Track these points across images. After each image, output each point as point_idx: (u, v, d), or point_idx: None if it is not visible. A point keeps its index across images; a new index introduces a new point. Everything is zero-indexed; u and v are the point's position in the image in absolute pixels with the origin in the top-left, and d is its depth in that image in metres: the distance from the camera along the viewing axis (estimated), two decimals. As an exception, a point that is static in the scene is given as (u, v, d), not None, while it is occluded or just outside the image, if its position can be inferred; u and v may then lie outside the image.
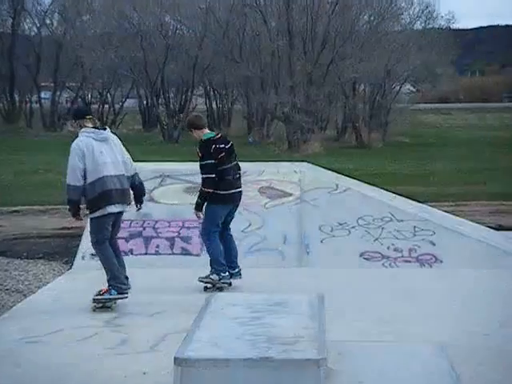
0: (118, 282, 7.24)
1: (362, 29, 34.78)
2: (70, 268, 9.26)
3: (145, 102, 40.96)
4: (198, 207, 7.96)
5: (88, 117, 7.35)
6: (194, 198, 9.70)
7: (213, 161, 7.79)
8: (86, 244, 9.37)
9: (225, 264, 7.97)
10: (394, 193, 11.01)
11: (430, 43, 36.00)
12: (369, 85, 36.40)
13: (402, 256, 9.25)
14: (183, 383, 4.21)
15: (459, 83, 59.97)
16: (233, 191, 8.01)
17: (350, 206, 9.69)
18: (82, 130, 7.25)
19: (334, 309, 6.27)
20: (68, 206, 7.27)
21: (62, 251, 10.39)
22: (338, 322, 6.33)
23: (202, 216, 8.01)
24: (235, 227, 9.37)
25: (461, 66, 56.16)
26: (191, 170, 10.28)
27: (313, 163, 11.69)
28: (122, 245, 9.18)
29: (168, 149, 27.55)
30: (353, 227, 9.51)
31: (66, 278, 8.76)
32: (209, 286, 7.93)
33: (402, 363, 5.03)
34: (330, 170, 11.53)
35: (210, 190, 7.84)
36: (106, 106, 41.84)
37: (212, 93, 42.30)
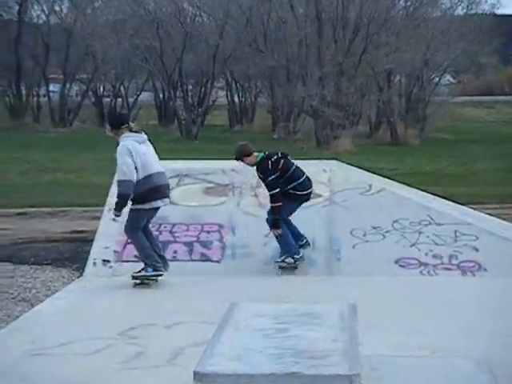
0: (152, 261, 8.36)
1: (397, 15, 34.69)
2: (81, 275, 9.33)
3: (161, 95, 41.16)
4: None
5: (124, 126, 8.40)
6: (214, 199, 9.80)
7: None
8: (97, 249, 9.44)
9: (295, 245, 9.06)
10: (432, 194, 10.97)
11: (472, 30, 35.79)
12: (405, 76, 36.28)
13: (442, 263, 9.21)
14: (203, 400, 4.23)
15: (504, 74, 59.58)
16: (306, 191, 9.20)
17: (384, 209, 9.67)
18: (123, 135, 8.33)
19: (366, 320, 6.26)
20: (117, 200, 8.27)
21: (71, 257, 10.47)
22: (370, 335, 6.32)
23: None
24: (258, 231, 9.43)
25: (506, 56, 55.73)
26: (211, 168, 10.34)
27: (343, 161, 11.68)
28: (136, 250, 9.26)
29: (186, 146, 27.67)
30: (387, 231, 9.49)
31: (76, 286, 8.81)
32: (284, 265, 9.04)
33: (441, 379, 5.02)
34: (362, 169, 11.51)
35: (280, 204, 8.91)
36: (119, 99, 42.05)
37: (234, 85, 42.38)
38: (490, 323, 7.14)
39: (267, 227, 9.39)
